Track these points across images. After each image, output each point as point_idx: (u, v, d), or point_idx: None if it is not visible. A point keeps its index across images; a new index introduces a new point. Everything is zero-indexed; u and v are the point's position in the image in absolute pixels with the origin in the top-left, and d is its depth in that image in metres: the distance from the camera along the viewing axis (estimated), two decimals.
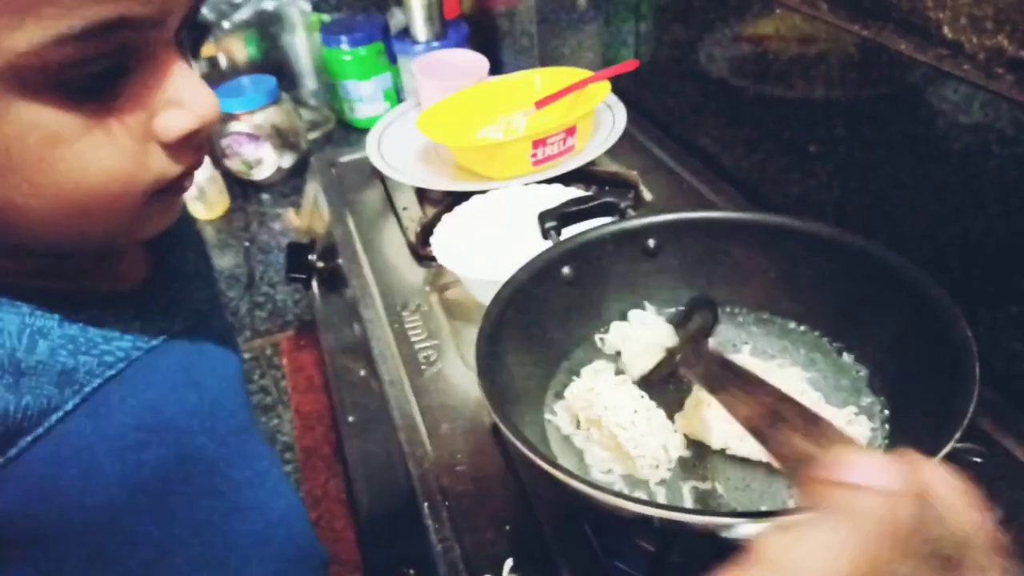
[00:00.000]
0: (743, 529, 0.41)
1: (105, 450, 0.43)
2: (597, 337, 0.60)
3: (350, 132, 1.49)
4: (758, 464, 0.50)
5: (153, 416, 0.45)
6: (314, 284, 0.93)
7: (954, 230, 0.58)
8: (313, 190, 0.99)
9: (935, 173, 0.59)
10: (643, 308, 0.61)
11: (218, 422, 0.51)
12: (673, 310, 0.61)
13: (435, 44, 1.37)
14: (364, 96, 1.45)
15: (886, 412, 0.51)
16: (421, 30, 1.37)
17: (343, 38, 1.41)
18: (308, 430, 0.87)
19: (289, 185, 1.33)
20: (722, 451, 0.51)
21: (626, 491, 0.49)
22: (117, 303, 0.45)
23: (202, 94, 0.38)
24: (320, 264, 0.88)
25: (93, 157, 0.36)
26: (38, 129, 0.34)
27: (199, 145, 0.40)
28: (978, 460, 0.51)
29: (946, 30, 0.55)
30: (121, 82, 0.36)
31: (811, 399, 0.51)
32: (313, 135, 1.44)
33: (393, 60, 1.44)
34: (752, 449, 0.50)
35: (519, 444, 0.43)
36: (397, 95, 1.48)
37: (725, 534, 0.42)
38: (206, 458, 0.50)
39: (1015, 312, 0.55)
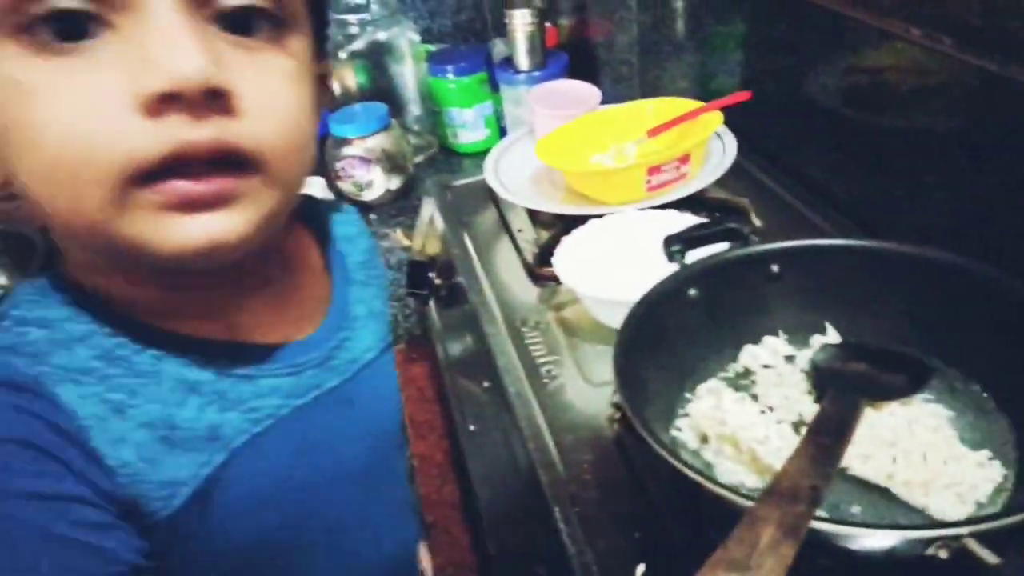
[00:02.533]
0: (872, 541, 0.43)
1: (238, 508, 0.43)
2: (727, 358, 0.62)
3: (451, 156, 1.55)
4: (875, 488, 0.51)
5: (287, 476, 0.46)
6: (430, 300, 0.98)
7: None
8: (429, 212, 1.04)
9: None
10: (775, 335, 0.63)
11: (351, 477, 0.51)
12: (800, 337, 0.63)
13: (536, 73, 1.41)
14: (467, 122, 1.51)
15: (1018, 449, 0.51)
16: (523, 60, 1.42)
17: (449, 67, 1.47)
18: (421, 439, 0.91)
19: (395, 206, 1.39)
20: (843, 469, 0.52)
21: None
22: (275, 358, 0.45)
23: (181, 54, 0.33)
24: (438, 281, 0.93)
25: (67, 112, 0.33)
26: (16, 73, 0.33)
27: (183, 121, 0.34)
28: None
29: None
30: (101, 33, 0.33)
31: (946, 436, 0.52)
32: (417, 159, 1.50)
33: (495, 88, 1.50)
34: (871, 472, 0.51)
35: (661, 451, 0.46)
36: (497, 121, 1.54)
37: (852, 546, 0.43)
38: (332, 512, 0.50)
39: None
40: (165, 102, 0.33)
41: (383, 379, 0.56)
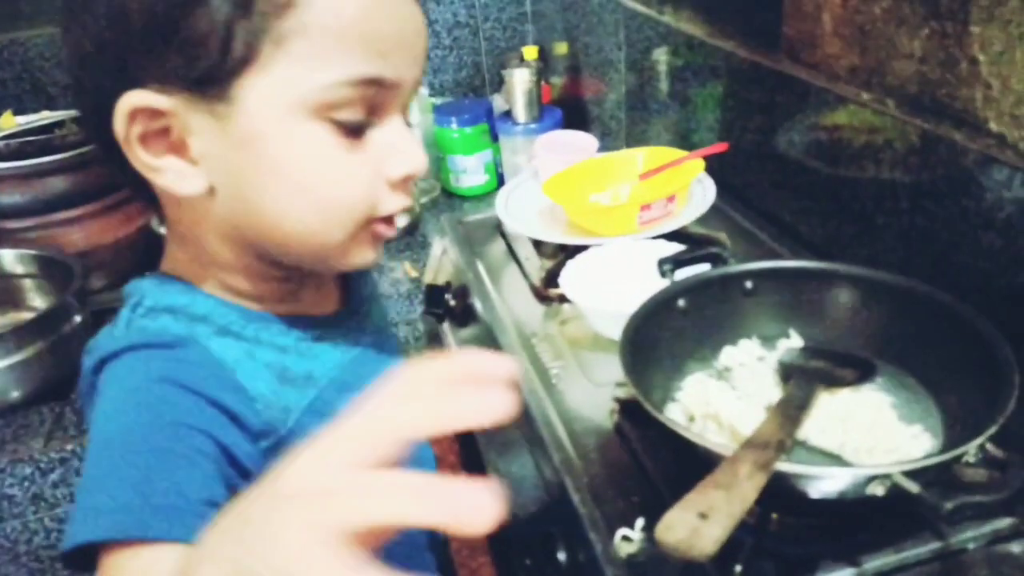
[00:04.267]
0: (825, 484, 0.54)
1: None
2: (709, 357, 0.74)
3: (452, 199, 1.68)
4: (830, 455, 0.62)
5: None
6: (445, 320, 1.09)
7: (1001, 282, 0.72)
8: (440, 247, 1.16)
9: (984, 238, 0.73)
10: (749, 338, 0.75)
11: None
12: (769, 341, 0.75)
13: (533, 125, 1.56)
14: (468, 168, 1.64)
15: (944, 425, 0.64)
16: (521, 113, 1.56)
17: (453, 119, 1.61)
18: (435, 443, 1.01)
19: (403, 242, 1.51)
20: (803, 442, 0.63)
21: None
22: (330, 324, 0.62)
23: (418, 149, 0.53)
24: (453, 303, 1.04)
25: (344, 175, 0.51)
26: (318, 146, 0.49)
27: (407, 192, 0.54)
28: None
29: (992, 125, 0.70)
30: (369, 129, 0.51)
31: (886, 415, 0.64)
32: (422, 200, 1.63)
33: (494, 138, 1.64)
34: (826, 441, 0.62)
35: (661, 418, 0.57)
36: (496, 168, 1.67)
37: (810, 488, 0.54)
38: None
39: None
40: (406, 180, 0.53)
41: (395, 344, 0.72)
